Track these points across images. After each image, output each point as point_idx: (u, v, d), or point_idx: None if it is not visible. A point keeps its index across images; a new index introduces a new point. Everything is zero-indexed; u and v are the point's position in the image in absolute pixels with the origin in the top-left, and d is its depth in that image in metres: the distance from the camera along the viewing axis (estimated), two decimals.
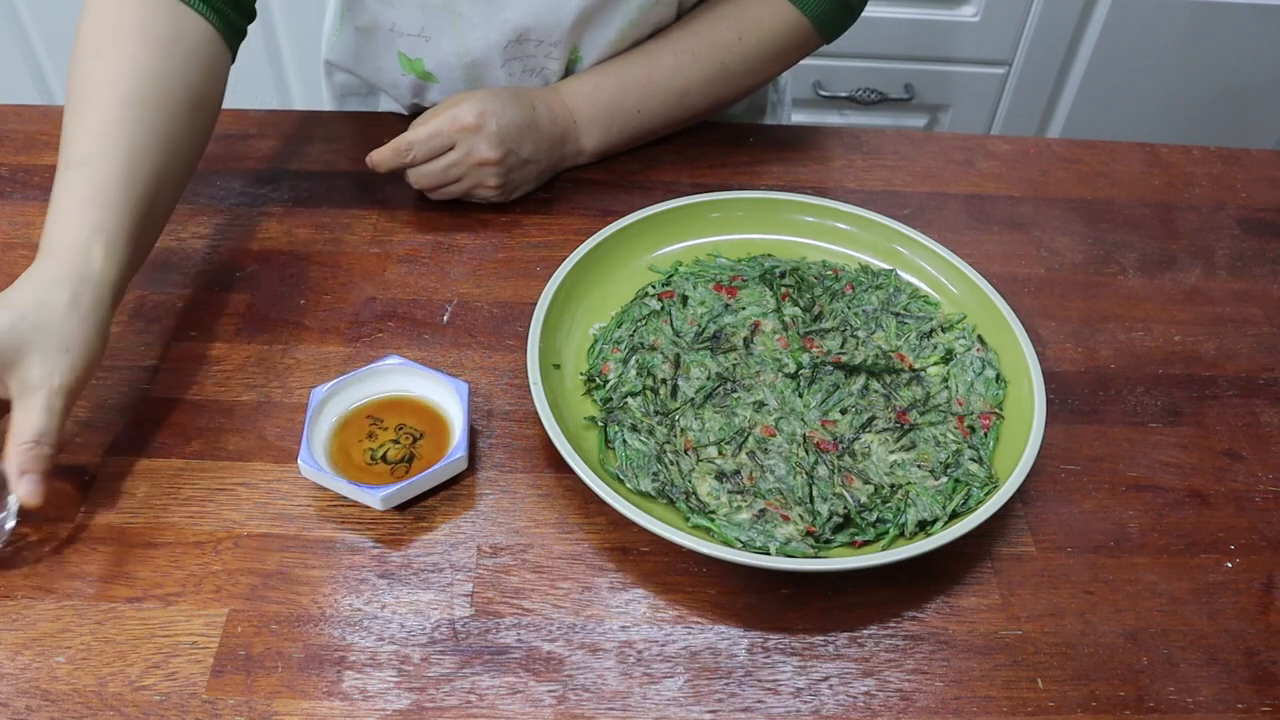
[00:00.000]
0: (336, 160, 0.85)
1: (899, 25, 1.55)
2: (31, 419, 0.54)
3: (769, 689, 0.54)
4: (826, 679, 0.55)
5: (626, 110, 0.81)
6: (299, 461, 0.59)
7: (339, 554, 0.59)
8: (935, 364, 0.68)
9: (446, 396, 0.64)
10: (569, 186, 0.83)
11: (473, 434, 0.65)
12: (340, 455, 0.61)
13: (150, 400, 0.66)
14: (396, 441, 0.62)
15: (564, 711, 0.53)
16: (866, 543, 0.59)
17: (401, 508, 0.61)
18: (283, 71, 1.61)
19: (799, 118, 1.68)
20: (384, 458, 0.62)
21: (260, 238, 0.78)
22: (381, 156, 0.75)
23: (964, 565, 0.60)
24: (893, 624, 0.57)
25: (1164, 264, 0.81)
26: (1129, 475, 0.65)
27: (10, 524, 0.57)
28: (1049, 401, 0.69)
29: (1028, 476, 0.60)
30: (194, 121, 0.67)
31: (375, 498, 0.58)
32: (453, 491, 0.62)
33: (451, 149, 0.75)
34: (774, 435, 0.63)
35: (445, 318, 0.72)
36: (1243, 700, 0.55)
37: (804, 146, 0.89)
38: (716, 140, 0.89)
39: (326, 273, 0.75)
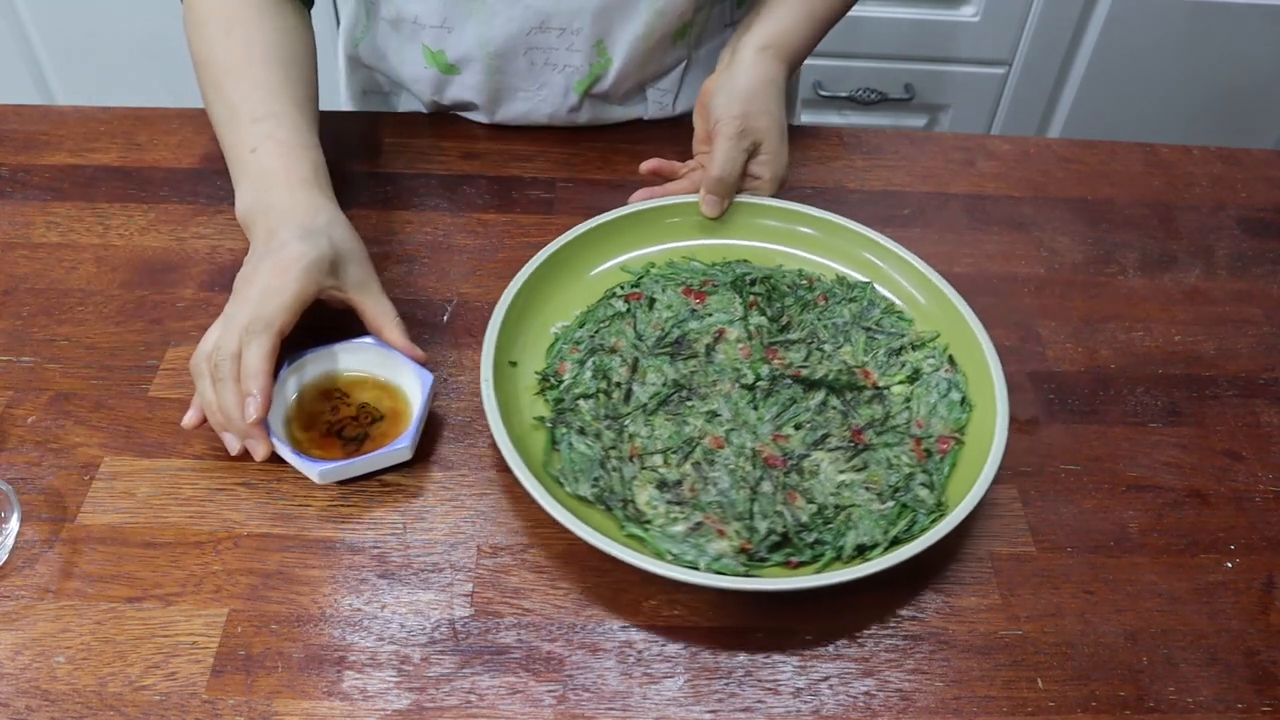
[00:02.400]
0: (336, 160, 0.85)
1: (899, 25, 1.55)
2: (383, 303, 0.66)
3: (769, 689, 0.54)
4: (826, 679, 0.55)
5: (819, 24, 0.81)
6: None
7: (339, 554, 0.59)
8: (900, 382, 0.66)
9: (412, 384, 0.64)
10: (569, 186, 0.83)
11: (466, 433, 0.65)
12: (299, 422, 0.63)
13: (150, 400, 0.66)
14: (355, 419, 0.63)
15: (564, 711, 0.53)
16: (802, 563, 0.57)
17: (402, 508, 0.61)
18: None
19: (798, 117, 1.68)
20: (340, 432, 0.63)
21: None
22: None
23: (964, 565, 0.60)
24: (893, 624, 0.57)
25: (1164, 264, 0.81)
26: (1129, 475, 0.65)
27: (9, 543, 0.57)
28: (1048, 401, 0.69)
29: (1001, 496, 0.58)
30: (313, 73, 0.76)
31: (314, 471, 0.59)
32: (453, 492, 0.62)
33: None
34: (722, 447, 0.62)
35: (445, 318, 0.72)
36: (1243, 700, 0.55)
37: (804, 146, 0.89)
38: None
39: None
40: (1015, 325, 0.75)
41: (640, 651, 0.55)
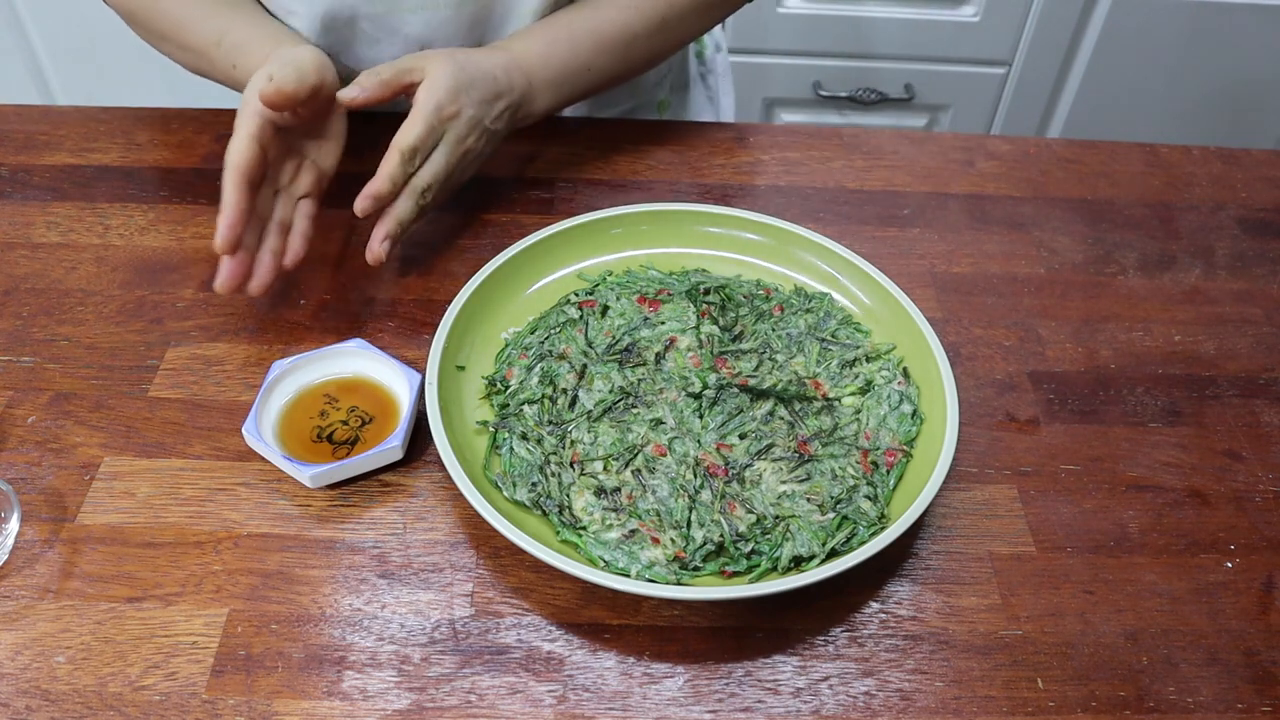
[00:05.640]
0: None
1: (899, 25, 1.55)
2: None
3: (769, 689, 0.54)
4: (826, 679, 0.55)
5: (578, 69, 0.79)
6: (243, 430, 0.61)
7: (339, 554, 0.59)
8: (852, 394, 0.66)
9: (401, 385, 0.64)
10: (569, 187, 0.83)
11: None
12: (288, 429, 0.63)
13: (150, 400, 0.66)
14: (345, 423, 0.64)
15: (564, 711, 0.53)
16: (736, 573, 0.57)
17: (402, 508, 0.61)
18: None
19: (798, 117, 1.68)
20: (330, 437, 0.63)
21: None
22: (391, 176, 0.69)
23: (964, 565, 0.60)
24: (893, 624, 0.57)
25: (1164, 264, 0.81)
26: (1129, 475, 0.65)
27: (9, 543, 0.57)
28: (1048, 401, 0.69)
29: (929, 515, 0.57)
30: None
31: (305, 475, 0.59)
32: (452, 492, 0.62)
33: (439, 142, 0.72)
34: (665, 455, 0.61)
35: None
36: (1243, 700, 0.55)
37: (804, 146, 0.89)
38: (717, 140, 0.89)
39: (326, 273, 0.75)
40: (1015, 325, 0.75)
41: (640, 651, 0.55)
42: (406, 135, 0.69)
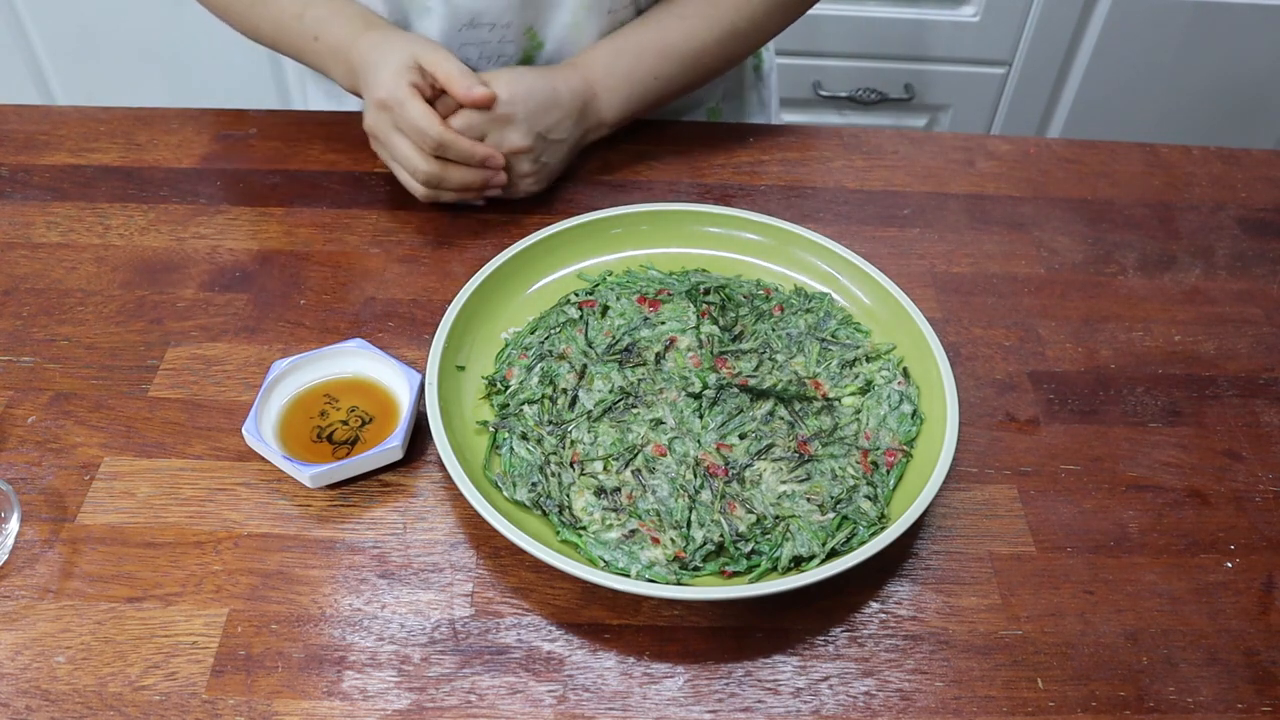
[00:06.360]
0: (337, 160, 0.85)
1: (899, 25, 1.55)
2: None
3: (769, 689, 0.54)
4: (826, 679, 0.55)
5: (644, 78, 0.81)
6: (243, 430, 0.61)
7: (339, 554, 0.59)
8: (852, 394, 0.66)
9: (401, 385, 0.64)
10: (569, 186, 0.83)
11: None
12: (288, 429, 0.63)
13: (150, 400, 0.66)
14: (345, 423, 0.64)
15: (564, 711, 0.53)
16: (736, 573, 0.57)
17: (402, 508, 0.61)
18: (282, 71, 1.61)
19: (798, 118, 1.68)
20: (329, 437, 0.63)
21: (260, 238, 0.78)
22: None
23: (964, 565, 0.60)
24: (893, 624, 0.57)
25: (1164, 264, 0.81)
26: (1129, 475, 0.65)
27: (9, 543, 0.57)
28: (1048, 401, 0.69)
29: (929, 516, 0.57)
30: None
31: (305, 475, 0.59)
32: (453, 492, 0.62)
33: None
34: (665, 455, 0.61)
35: None
36: (1243, 700, 0.55)
37: (804, 146, 0.89)
38: (717, 140, 0.89)
39: (326, 273, 0.75)
40: (1015, 325, 0.75)
41: (640, 651, 0.55)
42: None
